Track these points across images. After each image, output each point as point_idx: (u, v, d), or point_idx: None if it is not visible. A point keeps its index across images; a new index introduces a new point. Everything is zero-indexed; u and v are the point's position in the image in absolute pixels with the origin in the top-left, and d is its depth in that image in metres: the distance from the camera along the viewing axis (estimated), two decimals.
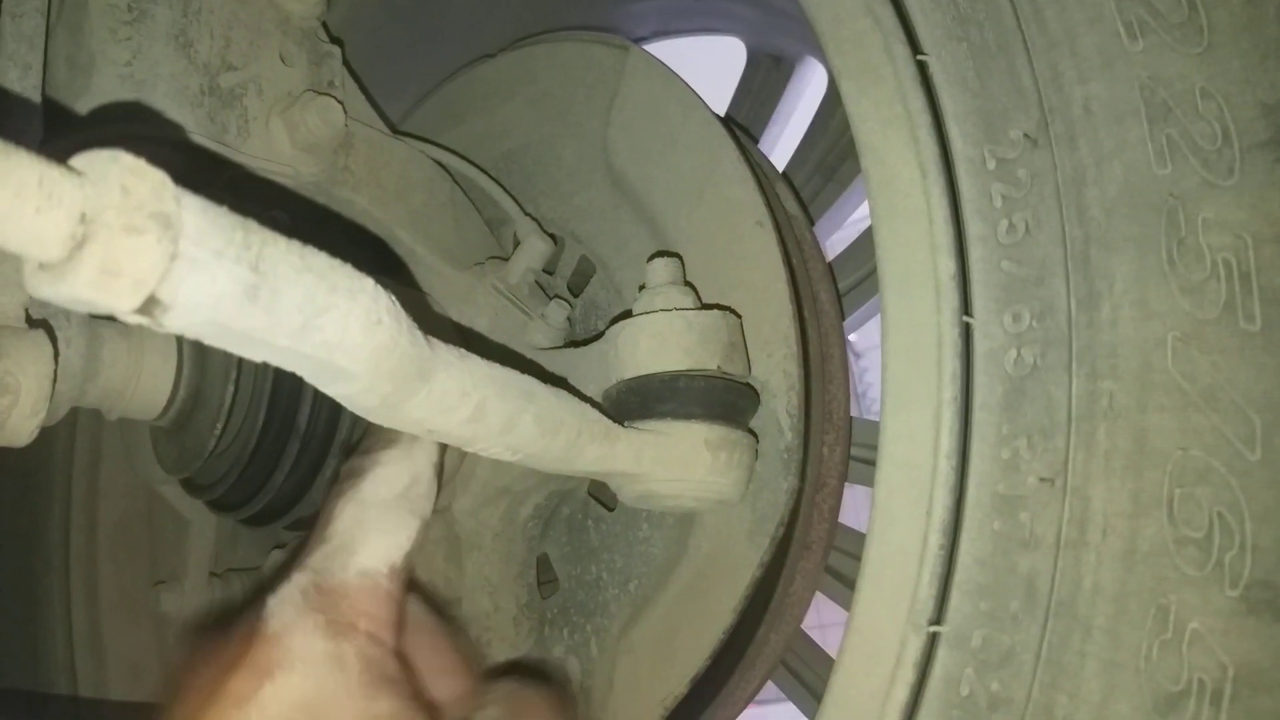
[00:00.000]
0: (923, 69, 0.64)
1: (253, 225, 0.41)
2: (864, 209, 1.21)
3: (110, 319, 0.81)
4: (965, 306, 0.61)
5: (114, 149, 0.37)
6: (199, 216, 0.38)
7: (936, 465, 0.60)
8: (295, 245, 0.43)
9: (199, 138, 0.83)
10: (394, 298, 0.49)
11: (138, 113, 0.80)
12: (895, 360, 0.63)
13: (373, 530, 0.59)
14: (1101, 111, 0.57)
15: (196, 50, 0.85)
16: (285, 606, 0.54)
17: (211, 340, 0.42)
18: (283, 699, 0.50)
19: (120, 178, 0.36)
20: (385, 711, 0.53)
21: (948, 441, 0.60)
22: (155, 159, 0.37)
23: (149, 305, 0.37)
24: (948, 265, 0.61)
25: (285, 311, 0.42)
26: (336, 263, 0.45)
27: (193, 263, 0.38)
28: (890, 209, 0.64)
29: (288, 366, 0.46)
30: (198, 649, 0.55)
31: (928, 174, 0.62)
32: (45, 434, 1.36)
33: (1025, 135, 0.60)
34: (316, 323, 0.44)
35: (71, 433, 1.42)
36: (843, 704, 0.62)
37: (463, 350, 0.58)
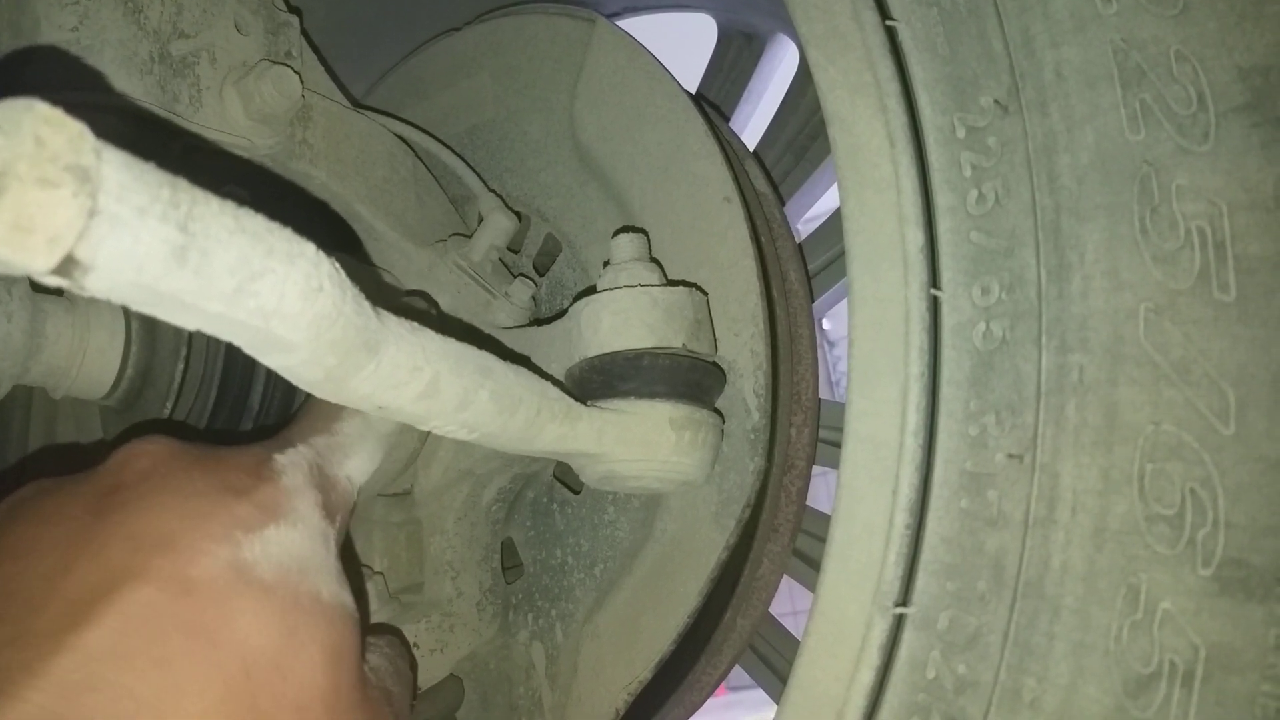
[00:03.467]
0: (892, 35, 0.62)
1: (182, 183, 0.39)
2: (827, 202, 1.21)
3: (57, 293, 0.79)
4: (933, 279, 0.59)
5: (29, 98, 0.34)
6: (121, 171, 0.36)
7: (903, 442, 0.58)
8: (229, 205, 0.41)
9: (148, 106, 0.80)
10: (337, 265, 0.47)
11: (84, 79, 0.77)
12: (862, 335, 0.61)
13: (363, 448, 0.65)
14: (1073, 76, 0.55)
15: (146, 16, 0.82)
16: (296, 471, 0.58)
17: (139, 306, 0.39)
18: (283, 545, 0.53)
19: (34, 128, 0.33)
20: (349, 604, 0.56)
21: (915, 418, 0.58)
22: (103, 128, 0.35)
23: (67, 265, 0.35)
24: (916, 237, 0.59)
25: (216, 275, 0.40)
26: (275, 225, 0.43)
27: (114, 220, 0.35)
28: (858, 179, 0.62)
29: (223, 335, 0.44)
30: (187, 455, 0.56)
31: (896, 143, 0.61)
32: None
33: (996, 102, 0.58)
34: (251, 288, 0.41)
35: (26, 417, 1.39)
36: (807, 687, 0.61)
37: (415, 324, 0.55)
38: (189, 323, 0.42)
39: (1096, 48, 0.54)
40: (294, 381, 0.50)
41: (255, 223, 0.42)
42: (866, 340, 0.61)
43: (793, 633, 1.23)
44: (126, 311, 0.81)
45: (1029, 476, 0.54)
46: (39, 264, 0.34)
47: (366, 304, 0.50)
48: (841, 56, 0.64)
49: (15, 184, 0.33)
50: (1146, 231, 0.51)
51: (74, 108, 0.35)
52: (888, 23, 0.63)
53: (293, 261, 0.43)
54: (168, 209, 0.37)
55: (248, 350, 0.46)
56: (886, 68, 0.62)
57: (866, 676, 0.58)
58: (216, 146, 0.87)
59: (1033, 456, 0.54)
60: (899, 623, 0.58)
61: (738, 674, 1.15)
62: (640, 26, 1.32)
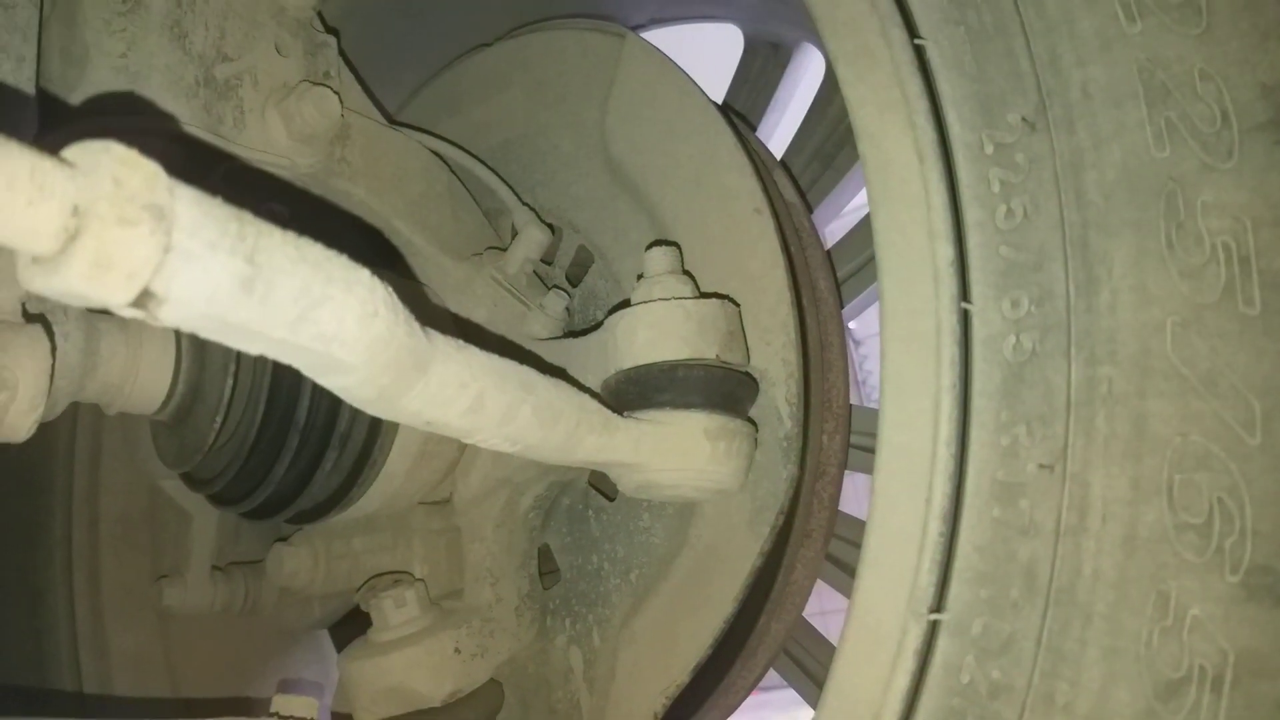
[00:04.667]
0: (920, 53, 0.64)
1: (248, 217, 0.41)
2: (861, 198, 1.21)
3: (108, 312, 0.81)
4: (964, 293, 0.60)
5: (106, 140, 0.36)
6: (193, 208, 0.38)
7: (936, 452, 0.60)
8: (290, 236, 0.43)
9: (195, 129, 0.83)
10: (390, 289, 0.48)
11: (133, 104, 0.80)
12: (894, 348, 0.63)
13: None
14: (1100, 94, 0.56)
15: (191, 41, 0.84)
16: None
17: (207, 334, 0.41)
18: None
19: (112, 169, 0.36)
20: None
21: (947, 429, 0.59)
22: (150, 151, 0.37)
23: (143, 299, 0.37)
24: (946, 251, 0.61)
25: (281, 304, 0.42)
26: (332, 254, 0.45)
27: (187, 255, 0.37)
28: (888, 195, 0.64)
29: (284, 359, 0.46)
30: None
31: (925, 159, 0.62)
32: (46, 431, 1.35)
33: (1023, 119, 0.59)
34: (312, 315, 0.43)
35: (72, 430, 1.42)
36: (845, 691, 0.62)
37: (461, 341, 0.57)
38: (253, 348, 0.44)
39: (1122, 66, 0.55)
40: (348, 400, 0.52)
41: (315, 251, 0.44)
42: (899, 352, 0.63)
43: (824, 633, 1.24)
44: (177, 330, 0.84)
45: (1060, 486, 0.55)
46: (118, 298, 0.36)
47: (417, 325, 0.52)
48: (870, 74, 0.66)
49: (96, 223, 0.35)
50: (1173, 246, 0.52)
51: (124, 132, 0.37)
52: (916, 41, 0.64)
53: (350, 288, 0.45)
54: (236, 242, 0.39)
55: (307, 372, 0.48)
56: (915, 85, 0.64)
57: (902, 681, 0.59)
58: (259, 167, 0.89)
59: (1063, 466, 0.55)
60: (933, 629, 0.59)
61: (769, 675, 1.16)
62: (667, 37, 1.34)
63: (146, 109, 0.81)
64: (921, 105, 0.64)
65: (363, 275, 0.46)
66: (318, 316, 0.43)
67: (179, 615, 1.20)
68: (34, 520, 1.40)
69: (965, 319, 0.60)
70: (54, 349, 0.67)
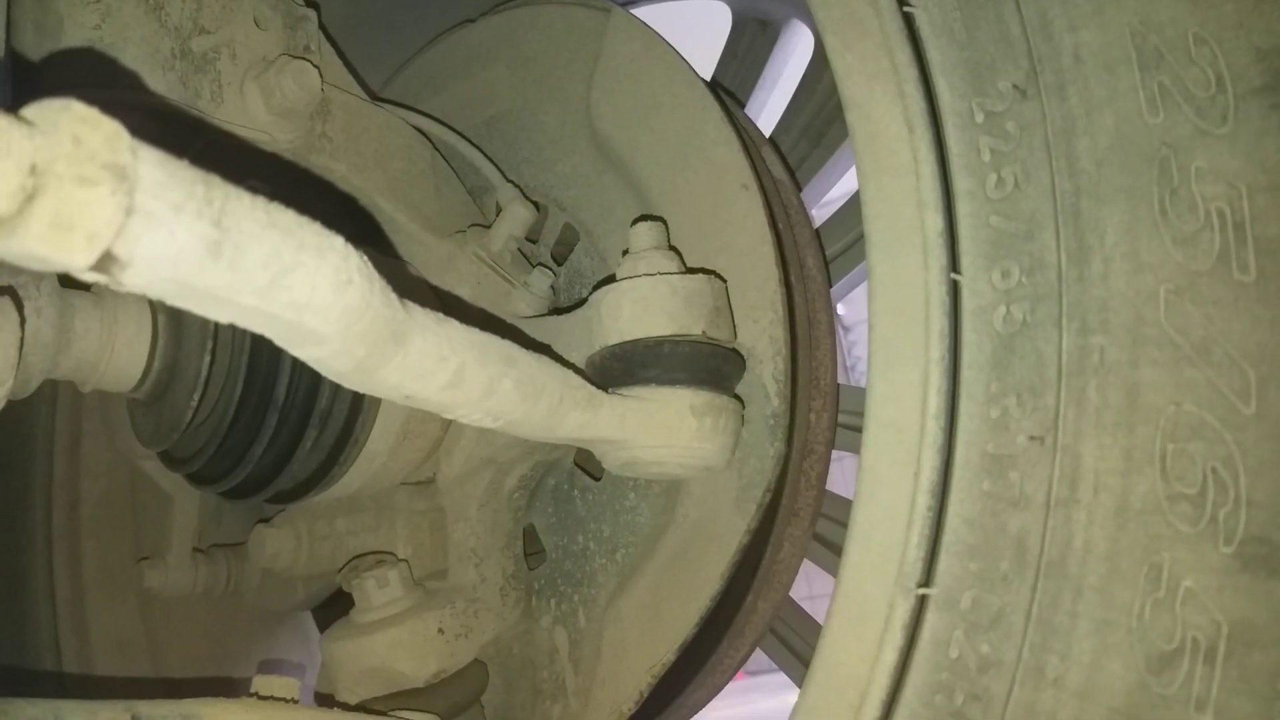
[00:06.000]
0: (909, 21, 0.62)
1: (215, 180, 0.39)
2: (842, 188, 1.20)
3: (83, 287, 0.80)
4: (953, 263, 0.60)
5: (66, 98, 0.35)
6: (157, 169, 0.37)
7: (924, 425, 0.59)
8: (260, 201, 0.41)
9: (171, 102, 0.81)
10: (365, 258, 0.47)
11: (108, 76, 0.78)
12: (882, 320, 0.62)
13: None
14: (1092, 60, 0.55)
15: (168, 13, 0.83)
16: None
17: (174, 300, 0.40)
18: None
19: (72, 127, 0.34)
20: None
21: (936, 401, 0.59)
22: (125, 124, 0.36)
23: (105, 262, 0.36)
24: (935, 222, 0.60)
25: (250, 269, 0.41)
26: (304, 220, 0.44)
27: (150, 217, 0.36)
28: (876, 165, 0.63)
29: (255, 328, 0.44)
30: None
31: (915, 128, 0.61)
32: (25, 413, 1.35)
33: (1014, 86, 0.58)
34: (283, 281, 0.42)
35: (52, 412, 1.40)
36: (831, 667, 0.61)
37: (440, 314, 0.56)
38: (223, 316, 0.43)
39: (1114, 31, 0.54)
40: (324, 373, 0.50)
41: (286, 217, 0.43)
42: (887, 325, 0.62)
43: (813, 616, 1.24)
44: (153, 305, 0.82)
45: (1051, 457, 0.54)
46: (78, 261, 0.35)
47: (394, 295, 0.50)
48: (859, 42, 0.64)
49: (55, 182, 0.33)
50: (1166, 213, 0.52)
51: (103, 105, 0.36)
52: (905, 8, 0.63)
53: (323, 255, 0.44)
54: (202, 205, 0.38)
55: (279, 343, 0.47)
56: (904, 53, 0.62)
57: (890, 656, 0.58)
58: (237, 141, 0.88)
59: (1054, 438, 0.55)
60: (922, 603, 0.58)
61: (755, 658, 1.16)
62: (655, 14, 1.32)
63: (122, 81, 0.79)
64: (911, 74, 0.63)
65: (336, 242, 0.45)
66: (289, 283, 0.42)
67: (160, 597, 1.19)
68: (14, 503, 1.39)
69: (955, 290, 0.59)
70: (23, 321, 0.66)
